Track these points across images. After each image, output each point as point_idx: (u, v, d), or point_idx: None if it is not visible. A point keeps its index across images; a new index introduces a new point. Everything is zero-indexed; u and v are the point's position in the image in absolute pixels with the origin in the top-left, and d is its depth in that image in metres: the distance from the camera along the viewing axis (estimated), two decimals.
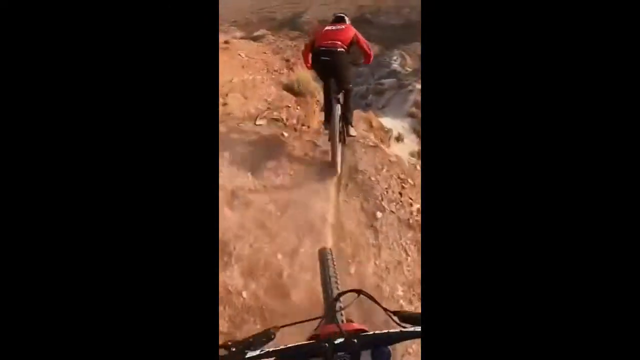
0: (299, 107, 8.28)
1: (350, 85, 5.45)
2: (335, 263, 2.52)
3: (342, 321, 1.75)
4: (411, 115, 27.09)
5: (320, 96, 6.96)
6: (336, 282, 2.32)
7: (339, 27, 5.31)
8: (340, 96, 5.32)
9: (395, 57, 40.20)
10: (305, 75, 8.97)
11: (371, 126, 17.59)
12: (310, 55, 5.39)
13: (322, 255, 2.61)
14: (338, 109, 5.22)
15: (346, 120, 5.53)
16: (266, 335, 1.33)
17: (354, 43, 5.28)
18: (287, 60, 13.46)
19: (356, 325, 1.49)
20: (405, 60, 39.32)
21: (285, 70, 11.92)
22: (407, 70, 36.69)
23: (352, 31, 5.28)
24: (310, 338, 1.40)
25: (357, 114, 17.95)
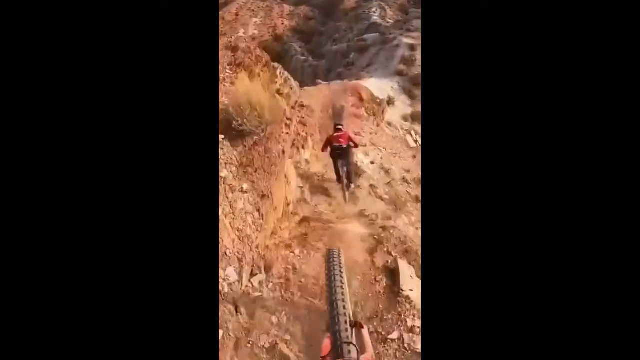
0: None
1: (351, 166, 8.25)
2: (342, 265, 2.55)
3: (349, 351, 1.77)
4: (400, 74, 24.71)
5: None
6: (342, 288, 2.30)
7: (341, 132, 7.80)
8: (345, 169, 8.02)
9: (374, 9, 36.94)
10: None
11: (361, 99, 15.33)
12: (328, 148, 7.94)
13: (330, 256, 2.58)
14: (344, 176, 8.06)
15: (349, 180, 8.25)
16: None
17: (349, 139, 7.87)
18: None
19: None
20: (385, 12, 36.40)
21: None
22: (388, 22, 33.69)
23: (348, 134, 7.94)
24: None
25: (345, 84, 15.72)
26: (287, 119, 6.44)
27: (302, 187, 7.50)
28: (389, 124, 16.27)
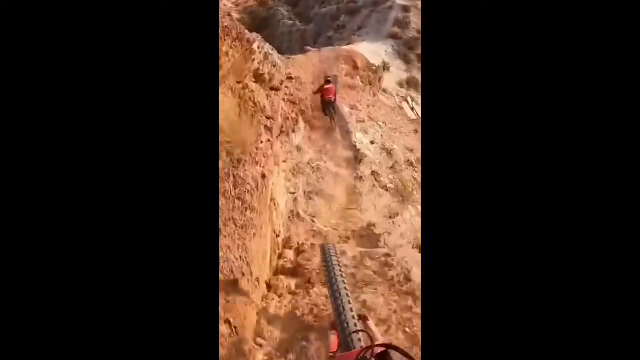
0: None
1: (335, 112, 10.21)
2: (339, 258, 2.56)
3: (359, 339, 1.85)
4: (394, 37, 22.79)
5: None
6: (343, 279, 2.31)
7: (330, 86, 10.15)
8: (332, 111, 10.11)
9: None
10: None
11: (355, 67, 13.64)
12: (321, 100, 10.19)
13: (325, 251, 2.61)
14: (333, 113, 10.13)
15: (332, 116, 10.14)
16: None
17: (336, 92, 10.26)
18: None
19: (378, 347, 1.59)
20: None
21: None
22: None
23: (334, 87, 10.34)
24: None
25: (338, 50, 13.99)
26: (267, 118, 4.88)
27: (294, 194, 5.96)
28: (384, 90, 14.80)
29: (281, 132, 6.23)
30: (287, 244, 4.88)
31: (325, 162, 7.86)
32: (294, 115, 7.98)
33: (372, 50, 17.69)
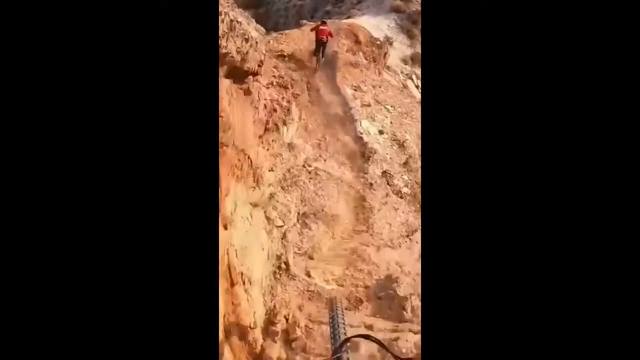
0: None
1: (323, 55, 10.04)
2: (344, 312, 2.45)
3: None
4: (396, 10, 20.76)
5: None
6: (344, 328, 2.30)
7: (325, 27, 10.03)
8: (321, 51, 9.94)
9: None
10: None
11: (357, 42, 11.79)
12: (315, 39, 10.09)
13: (332, 304, 2.60)
14: (320, 56, 9.95)
15: (322, 56, 9.98)
16: None
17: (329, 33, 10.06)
18: None
19: None
20: None
21: None
22: None
23: (329, 29, 10.12)
24: None
25: (337, 24, 12.16)
26: (228, 128, 3.12)
27: (281, 226, 4.21)
28: (388, 67, 12.99)
29: (266, 129, 4.52)
30: (269, 324, 3.16)
31: (324, 160, 6.23)
32: (285, 104, 6.32)
33: (373, 25, 15.81)
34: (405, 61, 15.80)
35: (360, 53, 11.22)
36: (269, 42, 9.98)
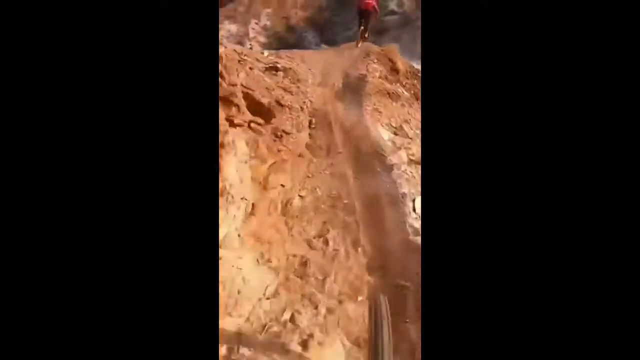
0: None
1: (369, 24, 8.95)
2: (390, 315, 2.11)
3: None
4: None
5: None
6: (389, 339, 1.97)
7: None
8: (363, 26, 8.88)
9: None
10: None
11: (394, 69, 8.18)
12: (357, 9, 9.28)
13: (376, 306, 2.19)
14: (365, 29, 8.85)
15: (365, 29, 8.81)
16: None
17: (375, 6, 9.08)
18: None
19: None
20: (402, 1, 29.07)
21: None
22: (405, 11, 26.69)
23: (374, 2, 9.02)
24: None
25: (368, 47, 8.82)
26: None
27: None
28: None
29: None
30: None
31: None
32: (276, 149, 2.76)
33: (414, 54, 13.11)
34: None
35: (399, 84, 7.56)
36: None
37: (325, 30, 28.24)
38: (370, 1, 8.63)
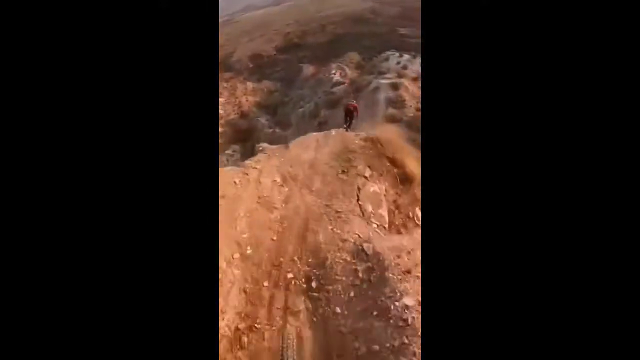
0: None
1: (353, 120, 11.09)
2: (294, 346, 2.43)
3: None
4: (391, 120, 17.31)
5: None
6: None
7: (354, 104, 11.55)
8: (349, 121, 11.11)
9: (333, 71, 30.92)
10: None
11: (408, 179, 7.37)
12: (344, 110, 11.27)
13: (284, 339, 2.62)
14: (348, 122, 11.09)
15: (350, 124, 10.95)
16: None
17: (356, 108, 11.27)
18: None
19: None
20: (345, 72, 30.45)
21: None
22: (350, 78, 27.33)
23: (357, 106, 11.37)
24: None
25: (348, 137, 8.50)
26: None
27: None
28: None
29: None
30: None
31: None
32: None
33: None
34: None
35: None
36: None
37: (276, 112, 29.05)
38: (352, 104, 11.60)
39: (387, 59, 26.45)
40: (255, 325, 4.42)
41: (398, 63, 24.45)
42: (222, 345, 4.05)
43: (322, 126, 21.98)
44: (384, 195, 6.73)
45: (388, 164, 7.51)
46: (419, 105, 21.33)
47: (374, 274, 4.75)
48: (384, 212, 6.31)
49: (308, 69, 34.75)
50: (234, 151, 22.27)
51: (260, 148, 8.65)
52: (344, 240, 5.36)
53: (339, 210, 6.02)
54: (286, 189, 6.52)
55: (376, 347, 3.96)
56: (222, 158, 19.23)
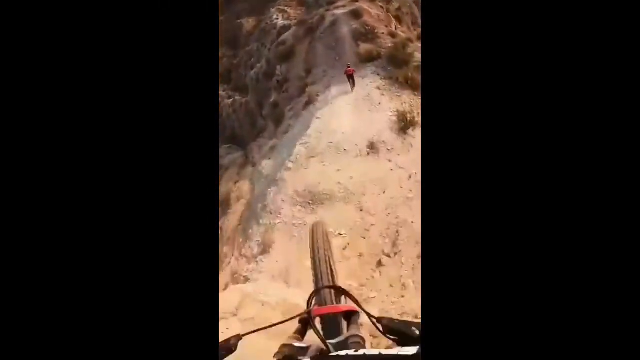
0: None
1: (354, 81, 12.96)
2: (329, 238, 2.19)
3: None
4: (369, 59, 13.37)
5: None
6: (327, 258, 1.99)
7: (350, 69, 13.20)
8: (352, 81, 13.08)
9: (274, 16, 25.09)
10: None
11: None
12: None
13: (315, 230, 2.24)
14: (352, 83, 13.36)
15: (353, 84, 12.95)
16: (225, 348, 1.16)
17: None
18: None
19: (343, 308, 1.43)
20: (287, 12, 25.34)
21: None
22: (295, 20, 22.60)
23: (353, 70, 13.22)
24: (300, 319, 1.30)
25: None
26: None
27: None
28: None
29: None
30: None
31: None
32: None
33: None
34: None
35: None
36: None
37: (230, 80, 24.97)
38: (350, 69, 12.88)
39: None
40: None
41: None
42: None
43: (283, 87, 18.01)
44: None
45: None
46: (393, 29, 17.15)
47: None
48: None
49: (248, 22, 29.75)
50: None
51: None
52: None
53: None
54: None
55: None
56: None
